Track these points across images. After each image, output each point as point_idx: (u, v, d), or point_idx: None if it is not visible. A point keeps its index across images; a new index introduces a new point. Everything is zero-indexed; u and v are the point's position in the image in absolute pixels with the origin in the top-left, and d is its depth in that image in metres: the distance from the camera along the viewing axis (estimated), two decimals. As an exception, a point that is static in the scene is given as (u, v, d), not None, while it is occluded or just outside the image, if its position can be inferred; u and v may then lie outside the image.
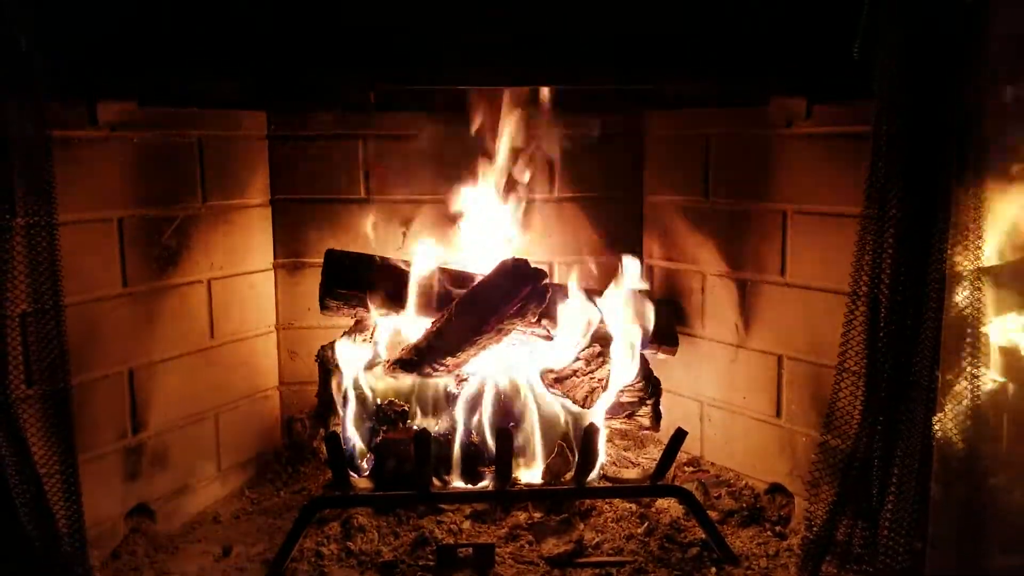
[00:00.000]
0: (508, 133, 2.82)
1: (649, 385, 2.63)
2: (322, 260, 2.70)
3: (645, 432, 2.81)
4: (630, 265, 2.73)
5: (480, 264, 2.72)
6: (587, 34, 2.14)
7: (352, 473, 2.44)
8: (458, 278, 2.64)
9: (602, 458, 2.58)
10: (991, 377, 1.84)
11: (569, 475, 2.48)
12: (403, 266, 2.65)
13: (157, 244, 2.43)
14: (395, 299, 2.60)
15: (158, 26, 2.03)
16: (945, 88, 1.76)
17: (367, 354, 2.63)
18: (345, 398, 2.58)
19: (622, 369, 2.57)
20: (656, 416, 2.64)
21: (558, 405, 2.57)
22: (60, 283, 1.83)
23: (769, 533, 2.43)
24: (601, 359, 2.57)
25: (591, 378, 2.53)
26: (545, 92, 2.77)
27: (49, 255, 1.82)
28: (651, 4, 2.15)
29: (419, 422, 2.53)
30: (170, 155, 2.47)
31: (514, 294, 2.47)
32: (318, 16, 2.09)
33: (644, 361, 2.67)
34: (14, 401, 1.78)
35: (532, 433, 2.54)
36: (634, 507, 2.47)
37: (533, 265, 2.53)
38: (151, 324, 2.42)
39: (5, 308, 1.76)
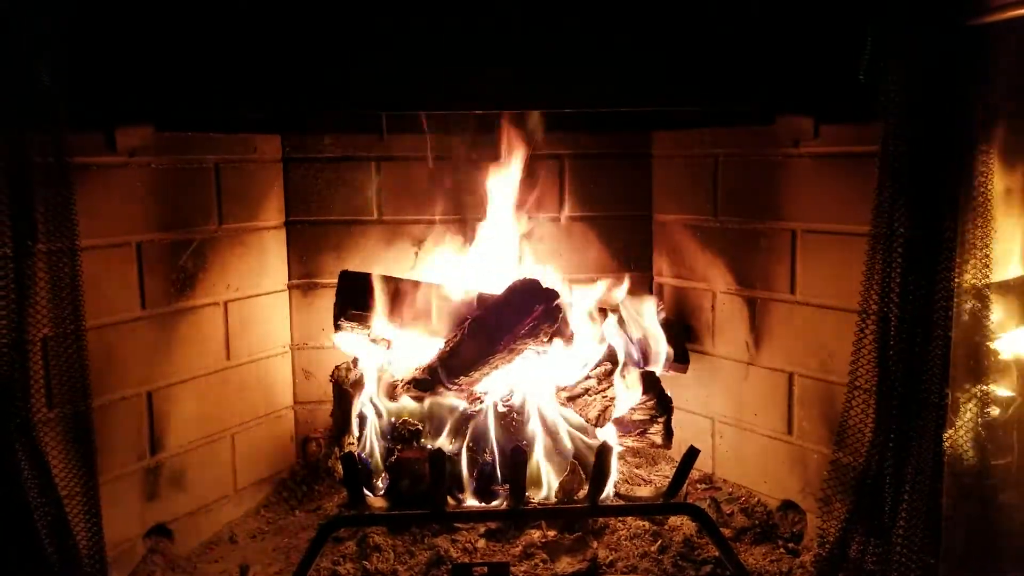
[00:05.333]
0: (518, 154, 2.85)
1: (661, 403, 2.65)
2: (335, 280, 2.73)
3: (657, 449, 2.82)
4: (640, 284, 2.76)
5: (492, 284, 2.75)
6: (593, 58, 2.17)
7: (367, 492, 2.46)
8: (471, 298, 2.67)
9: (615, 476, 2.60)
10: (1001, 392, 1.86)
11: (582, 493, 2.50)
12: (416, 286, 2.67)
13: (175, 267, 2.47)
14: (408, 319, 2.63)
15: (176, 59, 2.07)
16: (950, 110, 1.78)
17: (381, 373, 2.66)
18: (359, 418, 2.60)
19: (631, 387, 2.59)
20: (668, 434, 2.65)
21: (571, 423, 2.59)
22: (81, 307, 1.87)
23: (782, 550, 2.44)
24: (613, 377, 2.58)
25: (603, 396, 2.55)
26: (553, 114, 2.81)
27: (71, 280, 1.85)
28: (657, 26, 2.17)
29: (433, 441, 2.55)
30: (187, 179, 2.51)
31: (526, 314, 2.49)
32: (331, 47, 2.12)
33: (655, 379, 2.68)
34: (36, 423, 1.80)
35: (545, 451, 2.56)
36: (647, 525, 2.48)
37: (544, 285, 2.56)
38: (169, 346, 2.45)
39: (27, 332, 1.79)
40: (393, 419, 2.58)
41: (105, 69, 1.99)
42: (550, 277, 2.75)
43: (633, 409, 2.62)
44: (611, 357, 2.64)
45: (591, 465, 2.43)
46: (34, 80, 1.74)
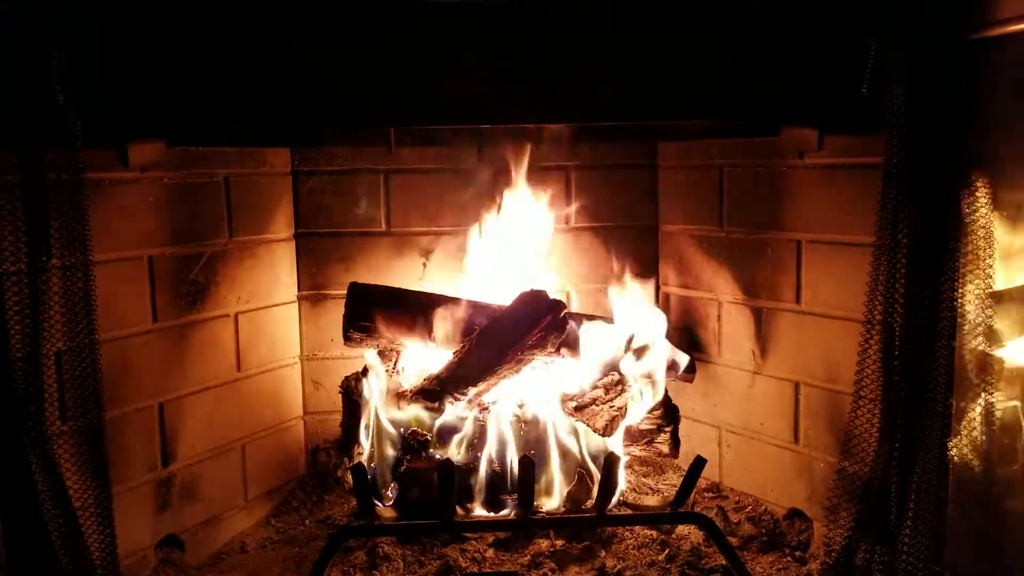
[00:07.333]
0: (524, 165, 2.87)
1: (667, 412, 2.66)
2: (344, 292, 2.75)
3: (664, 459, 2.84)
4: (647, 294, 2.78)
5: (499, 295, 2.77)
6: (599, 72, 2.18)
7: (376, 502, 2.48)
8: (478, 309, 2.69)
9: (622, 485, 2.61)
10: (1005, 400, 1.87)
11: (590, 503, 2.51)
12: (424, 298, 2.69)
13: (186, 280, 2.49)
14: (417, 330, 2.65)
15: (187, 76, 2.09)
16: (953, 122, 1.80)
17: (390, 384, 2.68)
18: (368, 428, 2.62)
19: (641, 397, 2.61)
20: (675, 443, 2.67)
21: (578, 433, 2.60)
22: (95, 321, 1.89)
23: (789, 559, 2.44)
24: (620, 387, 2.60)
25: (611, 406, 2.56)
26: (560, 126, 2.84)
27: (84, 294, 1.88)
28: (661, 40, 2.19)
29: (441, 451, 2.57)
30: (198, 193, 2.54)
31: (533, 325, 2.51)
32: (338, 64, 2.14)
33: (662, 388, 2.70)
34: (50, 436, 1.83)
35: (553, 461, 2.57)
36: (655, 534, 2.49)
37: (551, 296, 2.58)
38: (180, 358, 2.47)
39: (42, 346, 1.81)
40: (402, 429, 2.60)
41: (118, 87, 2.02)
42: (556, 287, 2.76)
43: (640, 419, 2.64)
44: (618, 367, 2.65)
45: (599, 474, 2.45)
46: (49, 99, 1.77)
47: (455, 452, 2.57)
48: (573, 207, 3.05)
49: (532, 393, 2.63)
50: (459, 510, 2.47)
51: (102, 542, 1.92)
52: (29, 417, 1.78)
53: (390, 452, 2.59)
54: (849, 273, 2.27)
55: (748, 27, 2.16)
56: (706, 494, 2.83)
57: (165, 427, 2.41)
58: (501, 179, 2.89)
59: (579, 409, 2.58)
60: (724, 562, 2.31)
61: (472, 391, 2.52)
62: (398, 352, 2.75)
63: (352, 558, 2.38)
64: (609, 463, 2.33)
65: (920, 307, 1.88)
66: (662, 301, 3.09)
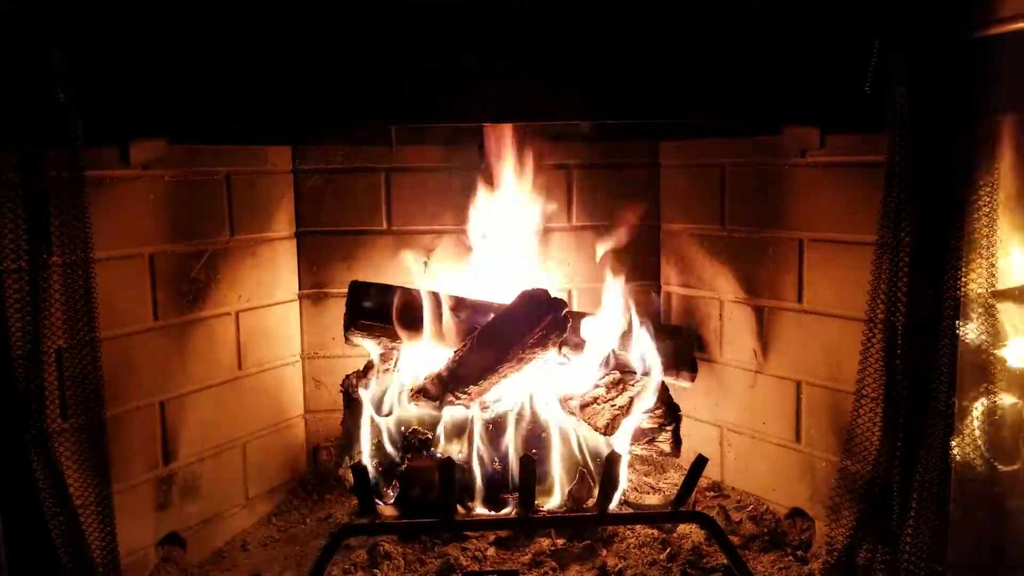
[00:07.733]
0: (526, 164, 2.87)
1: (669, 411, 2.66)
2: (345, 290, 2.75)
3: (666, 458, 2.83)
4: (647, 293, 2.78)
5: (500, 294, 2.76)
6: (602, 71, 2.18)
7: (378, 501, 2.47)
8: (479, 308, 2.68)
9: (623, 484, 2.61)
10: (1007, 400, 1.86)
11: (591, 502, 2.51)
12: (425, 297, 2.69)
13: (187, 278, 2.49)
14: (418, 329, 2.65)
15: (188, 73, 2.09)
16: (955, 120, 1.79)
17: (391, 383, 2.68)
18: (369, 426, 2.62)
19: (642, 395, 2.60)
20: (676, 442, 2.66)
21: (580, 432, 2.60)
22: (95, 318, 1.89)
23: (790, 558, 2.44)
24: (621, 386, 2.60)
25: (612, 405, 2.56)
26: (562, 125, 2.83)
27: (85, 292, 1.87)
28: (664, 39, 2.19)
29: (443, 450, 2.57)
30: (199, 191, 2.54)
31: (534, 323, 2.51)
32: (338, 63, 2.14)
33: (664, 387, 2.69)
34: (51, 434, 1.82)
35: (554, 460, 2.57)
36: (656, 533, 2.48)
37: (552, 294, 2.57)
38: (181, 356, 2.47)
39: (42, 344, 1.81)
40: (403, 428, 2.59)
41: (118, 85, 2.01)
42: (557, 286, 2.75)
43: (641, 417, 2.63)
44: (620, 366, 2.65)
45: (600, 473, 2.44)
46: (49, 98, 1.77)
47: (456, 451, 2.56)
48: (574, 205, 3.05)
49: (533, 392, 2.63)
50: (460, 509, 2.47)
51: (103, 540, 1.91)
52: (30, 415, 1.78)
53: (391, 451, 2.59)
54: (851, 272, 2.26)
55: (748, 27, 2.15)
56: (707, 493, 2.83)
57: (166, 425, 2.41)
58: (502, 178, 2.88)
59: (581, 408, 2.58)
60: (725, 561, 2.31)
61: (473, 390, 2.52)
62: (399, 351, 2.74)
63: (353, 556, 2.38)
64: (610, 462, 2.33)
65: (922, 306, 1.87)
66: (664, 301, 3.08)
